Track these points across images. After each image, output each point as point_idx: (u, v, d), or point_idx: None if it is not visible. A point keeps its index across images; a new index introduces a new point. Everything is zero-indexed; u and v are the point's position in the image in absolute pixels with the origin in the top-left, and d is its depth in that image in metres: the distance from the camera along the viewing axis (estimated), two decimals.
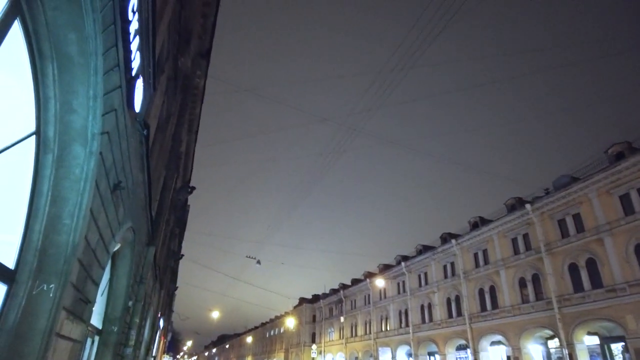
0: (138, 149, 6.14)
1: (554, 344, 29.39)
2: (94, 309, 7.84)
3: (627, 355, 23.45)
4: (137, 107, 5.27)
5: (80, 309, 4.86)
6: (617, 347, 25.29)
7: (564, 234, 28.18)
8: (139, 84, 5.07)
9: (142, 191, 7.51)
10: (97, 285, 5.39)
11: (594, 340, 26.58)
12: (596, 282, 25.45)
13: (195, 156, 22.56)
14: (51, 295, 3.91)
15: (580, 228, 27.11)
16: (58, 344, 4.25)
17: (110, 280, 8.57)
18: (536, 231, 29.84)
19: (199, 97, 14.54)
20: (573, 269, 27.11)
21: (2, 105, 3.33)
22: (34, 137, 3.67)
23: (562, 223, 28.54)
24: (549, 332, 28.70)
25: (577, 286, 26.57)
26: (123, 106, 4.69)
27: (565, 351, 26.15)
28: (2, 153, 3.35)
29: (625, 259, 23.75)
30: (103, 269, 5.69)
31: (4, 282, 3.65)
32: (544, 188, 31.59)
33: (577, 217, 27.47)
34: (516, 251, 31.77)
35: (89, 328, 7.54)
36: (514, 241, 32.15)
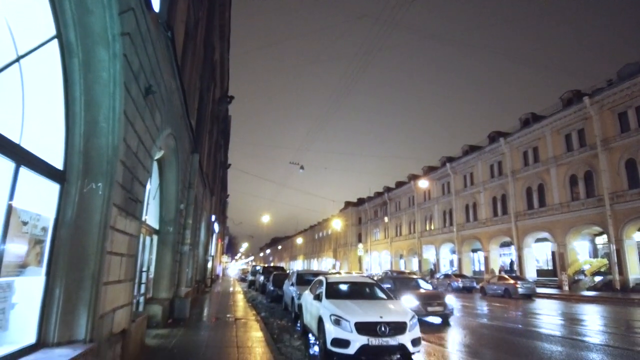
0: (166, 53, 6.10)
1: (601, 240, 29.19)
2: (150, 211, 8.57)
3: None
4: (157, 7, 5.10)
5: (131, 207, 5.28)
6: None
7: (624, 128, 26.31)
8: None
9: (177, 98, 7.62)
10: (144, 186, 5.77)
11: None
12: None
13: (231, 65, 22.28)
14: (100, 193, 4.25)
15: None
16: (115, 236, 4.71)
17: (160, 185, 9.17)
18: (593, 126, 28.05)
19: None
20: (630, 165, 25.76)
21: (19, 10, 3.32)
22: (55, 41, 3.69)
23: (622, 116, 26.51)
24: (597, 229, 28.36)
25: (633, 182, 25.44)
26: (141, 6, 4.56)
27: (613, 247, 25.96)
28: (30, 59, 3.43)
29: None
30: (148, 172, 6.03)
31: (57, 181, 3.99)
32: (607, 79, 28.93)
33: None
34: (569, 148, 30.37)
35: (147, 228, 8.31)
36: (568, 137, 30.58)
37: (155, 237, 9.36)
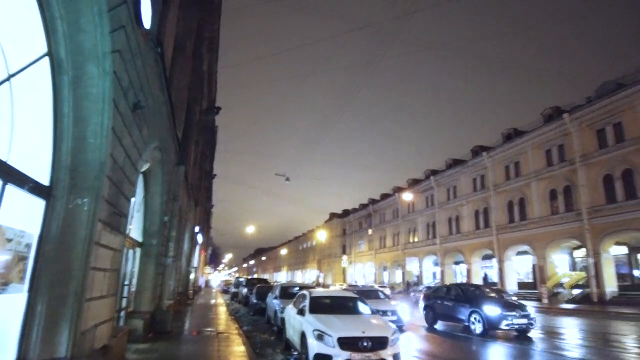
0: (155, 68, 6.13)
1: (579, 253, 29.80)
2: (134, 224, 8.50)
3: None
4: (148, 23, 5.16)
5: (116, 222, 5.26)
6: None
7: (602, 144, 27.08)
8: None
9: (165, 111, 7.64)
10: (129, 200, 5.76)
11: (623, 250, 26.75)
12: (631, 193, 24.90)
13: (223, 76, 22.31)
14: (86, 208, 4.24)
15: (620, 138, 25.88)
16: (99, 252, 4.69)
17: (145, 197, 9.11)
18: (573, 142, 28.79)
19: (216, 11, 13.98)
20: (608, 181, 26.48)
21: (11, 29, 3.34)
22: (46, 58, 3.72)
23: (601, 133, 27.27)
24: (576, 243, 28.96)
25: (610, 198, 26.14)
26: (132, 23, 4.61)
27: (591, 260, 26.57)
28: (20, 76, 3.44)
29: None
30: (134, 185, 6.02)
31: (42, 197, 3.97)
32: (587, 96, 29.79)
33: (618, 127, 26.08)
34: (550, 163, 31.06)
35: (130, 241, 8.23)
36: (548, 153, 31.28)
37: (138, 250, 9.27)
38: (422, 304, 15.51)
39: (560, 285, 29.32)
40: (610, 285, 26.00)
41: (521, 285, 34.02)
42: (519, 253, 34.38)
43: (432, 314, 14.52)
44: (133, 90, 5.08)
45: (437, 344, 11.09)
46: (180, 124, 11.15)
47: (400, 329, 12.35)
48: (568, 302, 27.01)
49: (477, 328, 11.97)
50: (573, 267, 30.91)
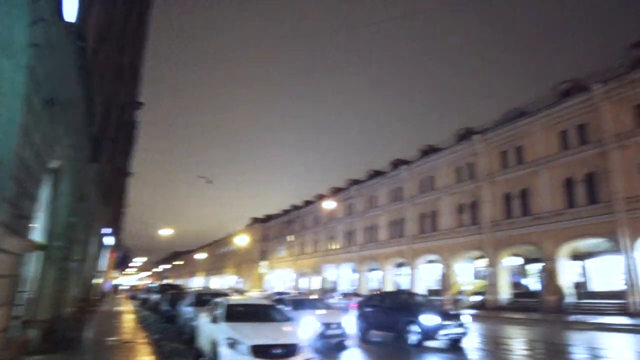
0: (75, 62, 5.77)
1: (481, 263, 32.63)
2: (37, 225, 7.82)
3: (543, 274, 26.63)
4: (73, 16, 4.87)
5: (18, 224, 4.86)
6: (534, 268, 28.59)
7: (505, 165, 30.06)
8: None
9: (81, 107, 7.18)
10: (34, 201, 5.35)
11: (519, 261, 29.82)
12: (526, 210, 27.95)
13: (152, 73, 21.25)
14: None
15: (520, 160, 28.98)
16: None
17: (52, 196, 8.43)
18: (480, 161, 31.64)
19: (144, 5, 13.35)
20: (507, 198, 29.44)
21: None
22: None
23: (504, 155, 30.27)
24: (478, 253, 31.71)
25: (508, 214, 29.10)
26: (53, 16, 4.34)
27: (490, 270, 29.33)
28: None
29: (554, 191, 26.02)
30: (40, 185, 5.60)
31: None
32: (495, 120, 32.77)
33: (519, 150, 29.15)
34: (460, 179, 33.72)
35: (33, 243, 7.56)
36: (459, 170, 33.95)
37: (39, 253, 8.51)
38: (354, 312, 14.95)
39: (461, 292, 31.84)
40: (505, 293, 28.86)
41: (431, 292, 36.25)
42: (429, 261, 36.72)
43: (366, 323, 13.87)
44: (49, 85, 4.75)
45: (373, 356, 11.19)
46: (97, 119, 10.48)
47: (342, 344, 11.64)
48: (468, 308, 29.39)
49: (413, 338, 11.61)
50: (475, 275, 33.71)
